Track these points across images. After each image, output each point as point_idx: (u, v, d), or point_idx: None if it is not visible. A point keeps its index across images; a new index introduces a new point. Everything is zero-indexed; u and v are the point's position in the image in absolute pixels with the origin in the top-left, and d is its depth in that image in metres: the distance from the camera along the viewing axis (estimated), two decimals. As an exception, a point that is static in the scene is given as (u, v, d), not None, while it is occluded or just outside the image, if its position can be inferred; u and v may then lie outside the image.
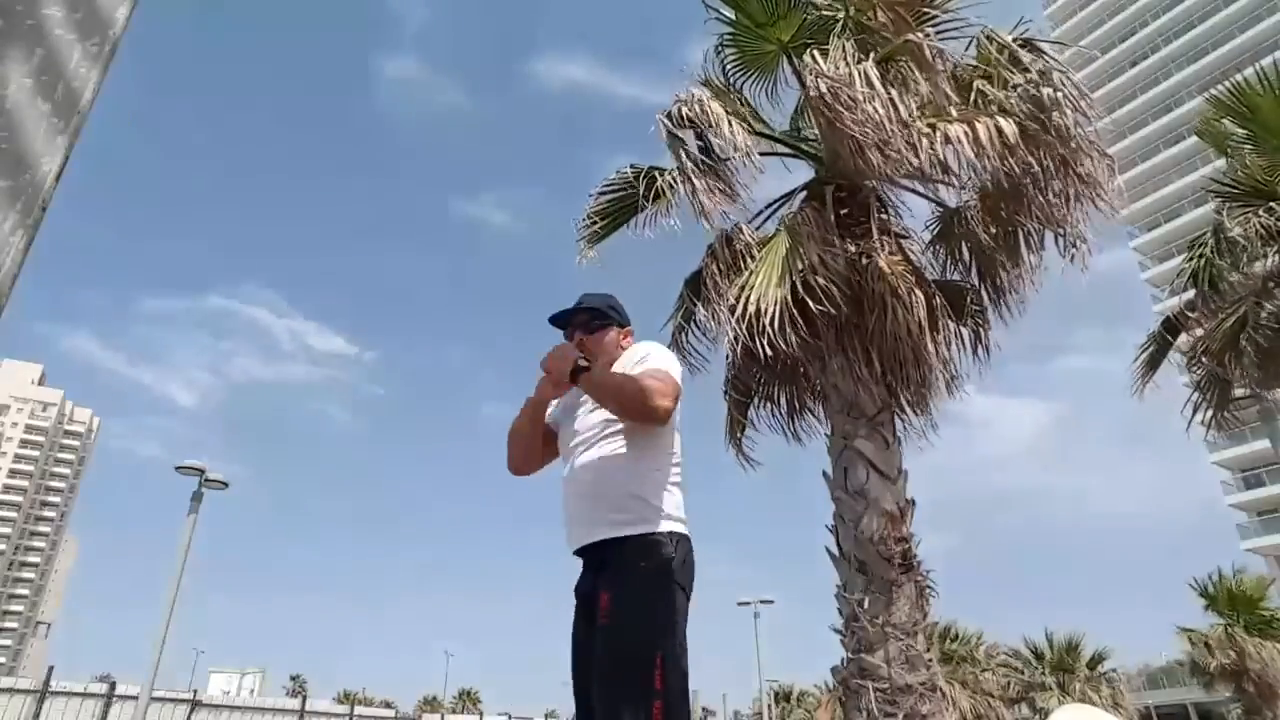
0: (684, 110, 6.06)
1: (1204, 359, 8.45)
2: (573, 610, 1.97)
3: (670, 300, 7.29)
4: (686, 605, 1.82)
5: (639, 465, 1.94)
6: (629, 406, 1.93)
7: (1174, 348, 9.28)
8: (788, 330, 5.36)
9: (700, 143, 6.00)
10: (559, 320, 2.22)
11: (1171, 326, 9.25)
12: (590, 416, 2.05)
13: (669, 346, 7.27)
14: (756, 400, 7.32)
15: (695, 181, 5.92)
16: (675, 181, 6.28)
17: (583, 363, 2.00)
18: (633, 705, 1.65)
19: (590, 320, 2.20)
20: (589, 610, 1.86)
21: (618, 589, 1.80)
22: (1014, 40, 5.86)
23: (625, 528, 1.85)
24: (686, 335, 7.14)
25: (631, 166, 6.79)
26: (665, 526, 1.86)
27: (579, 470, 2.00)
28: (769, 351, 5.36)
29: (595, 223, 6.88)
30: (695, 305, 6.67)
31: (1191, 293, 9.08)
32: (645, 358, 2.05)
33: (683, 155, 5.98)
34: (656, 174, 6.50)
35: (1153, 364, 9.30)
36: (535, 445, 2.18)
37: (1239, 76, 8.11)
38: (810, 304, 5.43)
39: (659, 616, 1.76)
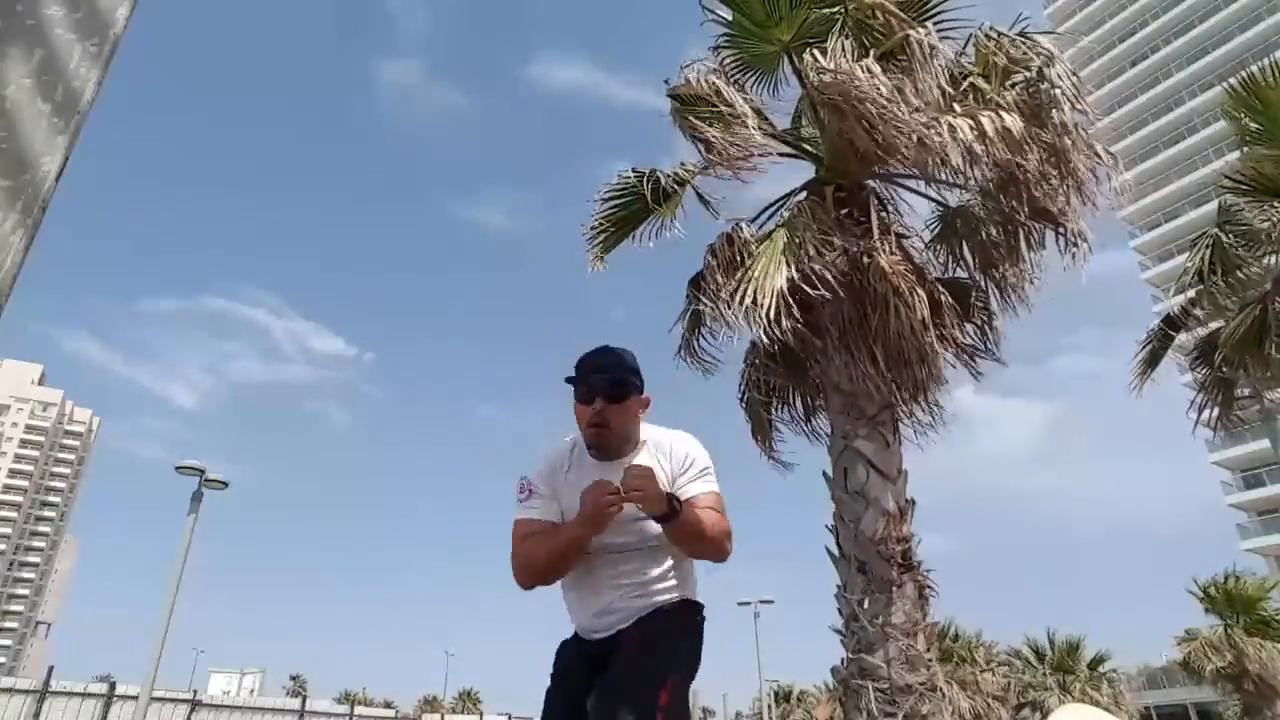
0: (690, 80, 6.09)
1: (1224, 367, 8.37)
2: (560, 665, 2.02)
3: (677, 304, 7.27)
4: (695, 665, 1.93)
5: (681, 566, 2.01)
6: (707, 553, 1.92)
7: (1175, 347, 9.25)
8: (783, 318, 5.35)
9: (706, 113, 5.98)
10: (587, 383, 1.94)
11: (1172, 324, 9.22)
12: (640, 525, 1.90)
13: (678, 350, 7.16)
14: (775, 401, 7.29)
15: (709, 141, 5.88)
16: (684, 175, 6.29)
17: (677, 503, 1.79)
18: (640, 710, 1.67)
19: (613, 388, 1.91)
20: (595, 666, 1.86)
21: (643, 625, 1.89)
22: (1013, 36, 5.87)
23: (654, 602, 1.96)
24: (696, 338, 7.13)
25: (634, 170, 6.75)
26: (691, 596, 2.02)
27: (623, 573, 1.95)
28: (766, 340, 5.35)
29: (602, 231, 6.87)
30: (701, 305, 6.66)
31: (1194, 291, 9.08)
32: (702, 469, 1.95)
33: (692, 122, 5.98)
34: (660, 176, 6.49)
35: (1152, 361, 9.25)
36: (565, 569, 1.99)
37: (1253, 68, 8.08)
38: (808, 290, 5.41)
39: (675, 648, 1.86)
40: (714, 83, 6.07)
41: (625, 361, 1.98)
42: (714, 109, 5.96)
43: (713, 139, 5.90)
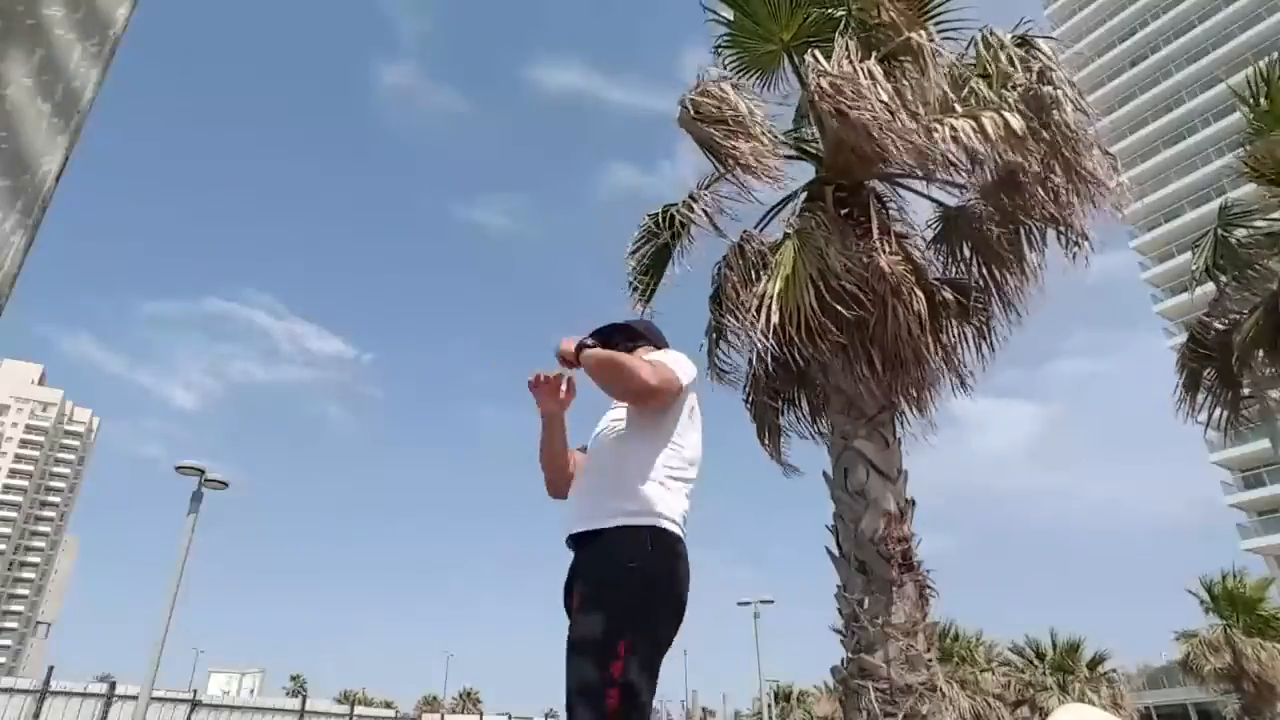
0: (706, 90, 6.11)
1: (1247, 366, 8.31)
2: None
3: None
4: (665, 604, 1.76)
5: (630, 461, 1.93)
6: (617, 379, 1.95)
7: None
8: (815, 337, 5.40)
9: (717, 121, 6.01)
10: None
11: (1197, 340, 9.17)
12: (606, 425, 2.11)
13: (707, 369, 7.19)
14: (782, 404, 7.29)
15: (720, 150, 5.93)
16: (694, 202, 6.38)
17: (589, 340, 2.04)
18: (588, 691, 1.60)
19: (624, 341, 2.18)
20: (569, 606, 1.86)
21: (587, 574, 1.82)
22: (1013, 39, 5.88)
23: (602, 520, 1.84)
24: (718, 352, 7.13)
25: (649, 215, 6.98)
26: (645, 521, 1.81)
27: (584, 469, 2.07)
28: (800, 362, 5.40)
29: (640, 280, 7.02)
30: (722, 320, 6.69)
31: (1198, 292, 9.06)
32: (654, 353, 2.11)
33: (703, 130, 6.01)
34: (675, 212, 6.63)
35: (1192, 385, 9.18)
36: (560, 466, 2.18)
37: (1260, 64, 8.09)
38: (839, 309, 5.44)
39: (625, 603, 1.69)
40: (725, 92, 6.08)
41: (627, 325, 2.30)
42: (724, 120, 5.97)
43: (726, 152, 5.91)
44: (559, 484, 2.18)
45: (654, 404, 1.95)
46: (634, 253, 7.08)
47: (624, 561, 1.75)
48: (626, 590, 1.72)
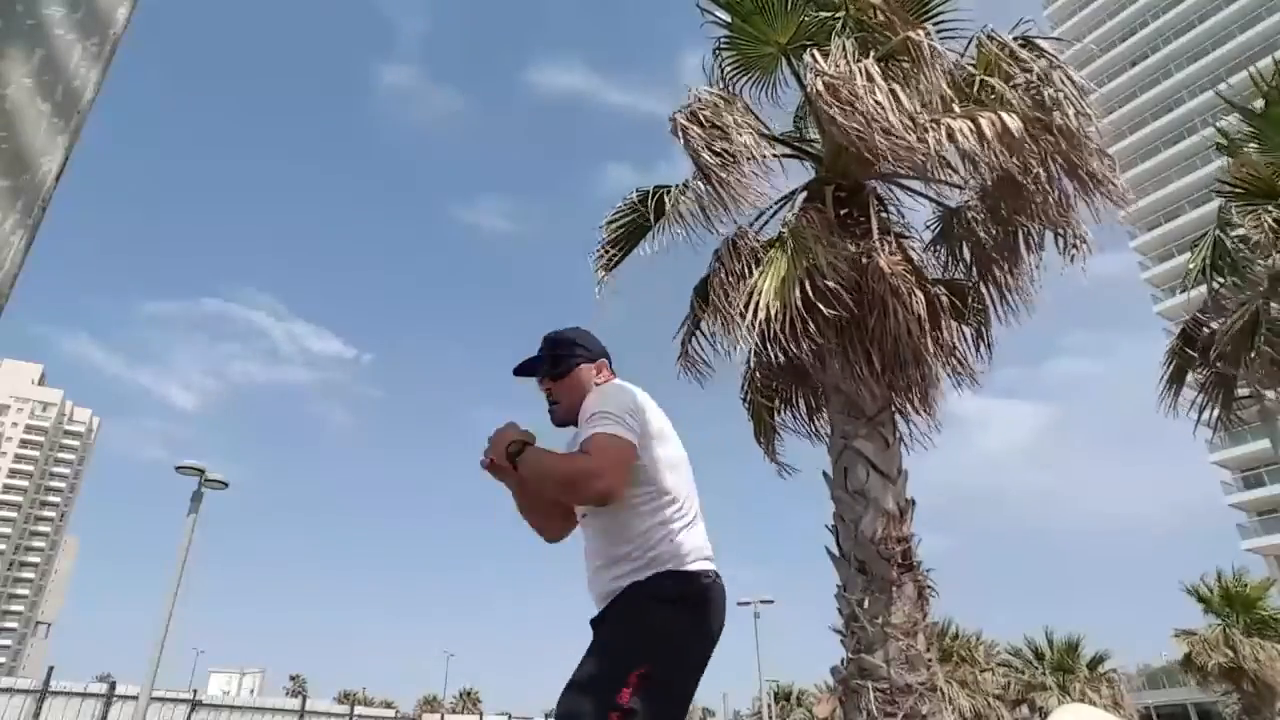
0: (695, 111, 6.10)
1: (1218, 364, 8.37)
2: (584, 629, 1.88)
3: (680, 311, 7.25)
4: (691, 636, 1.71)
5: (620, 541, 1.79)
6: (556, 491, 1.84)
7: (1194, 355, 9.20)
8: (799, 336, 5.38)
9: (710, 144, 6.00)
10: (524, 371, 2.06)
11: (1189, 337, 9.20)
12: None
13: (678, 358, 7.12)
14: (777, 403, 7.29)
15: (713, 176, 5.92)
16: (684, 192, 6.34)
17: (513, 448, 1.82)
18: (585, 714, 1.55)
19: (555, 364, 2.02)
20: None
21: (605, 616, 1.78)
22: (1014, 39, 5.87)
23: (620, 584, 1.77)
24: (695, 343, 7.11)
25: (637, 190, 6.91)
26: (652, 571, 1.74)
27: (586, 543, 1.91)
28: (783, 358, 5.38)
29: (608, 251, 6.97)
30: (704, 313, 6.67)
31: (1196, 292, 9.09)
32: (590, 415, 1.82)
33: (697, 152, 6.01)
34: (664, 194, 6.56)
35: (1178, 378, 9.25)
36: (547, 520, 2.02)
37: (1250, 70, 8.10)
38: (822, 308, 5.43)
39: (643, 634, 1.67)
40: (714, 109, 6.07)
41: (557, 340, 2.08)
42: (713, 138, 5.96)
43: (713, 170, 5.90)
44: (551, 531, 2.03)
45: (617, 498, 1.74)
46: (610, 223, 7.00)
47: (642, 599, 1.71)
48: (645, 623, 1.69)
